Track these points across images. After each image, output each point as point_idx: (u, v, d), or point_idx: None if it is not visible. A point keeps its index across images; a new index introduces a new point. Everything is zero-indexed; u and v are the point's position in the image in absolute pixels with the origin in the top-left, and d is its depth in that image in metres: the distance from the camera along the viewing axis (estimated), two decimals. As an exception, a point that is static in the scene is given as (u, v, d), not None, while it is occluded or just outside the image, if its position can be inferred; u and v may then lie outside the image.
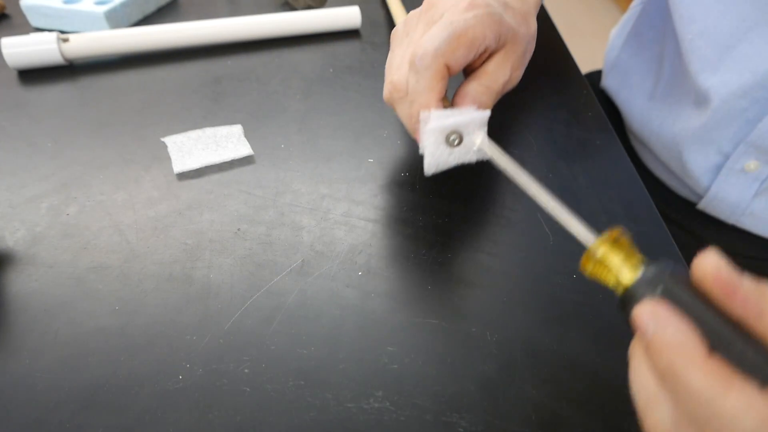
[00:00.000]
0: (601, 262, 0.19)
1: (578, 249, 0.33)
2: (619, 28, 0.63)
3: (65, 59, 0.47)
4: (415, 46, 0.29)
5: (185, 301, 0.29)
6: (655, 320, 0.16)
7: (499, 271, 0.32)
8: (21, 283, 0.30)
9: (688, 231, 0.53)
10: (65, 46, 0.47)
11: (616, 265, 0.19)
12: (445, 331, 0.28)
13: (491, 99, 0.32)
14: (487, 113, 0.29)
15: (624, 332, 0.29)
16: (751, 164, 0.45)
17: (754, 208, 0.48)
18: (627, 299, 0.18)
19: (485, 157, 0.29)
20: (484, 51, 0.31)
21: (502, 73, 0.32)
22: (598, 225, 0.35)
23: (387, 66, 0.33)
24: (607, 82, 0.64)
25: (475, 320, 0.29)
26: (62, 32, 0.48)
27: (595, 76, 0.69)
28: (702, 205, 0.51)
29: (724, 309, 0.16)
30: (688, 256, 0.35)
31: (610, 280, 0.19)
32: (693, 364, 0.15)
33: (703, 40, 0.43)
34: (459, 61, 0.30)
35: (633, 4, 0.60)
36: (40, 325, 0.28)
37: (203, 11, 0.59)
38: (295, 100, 0.45)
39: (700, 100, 0.46)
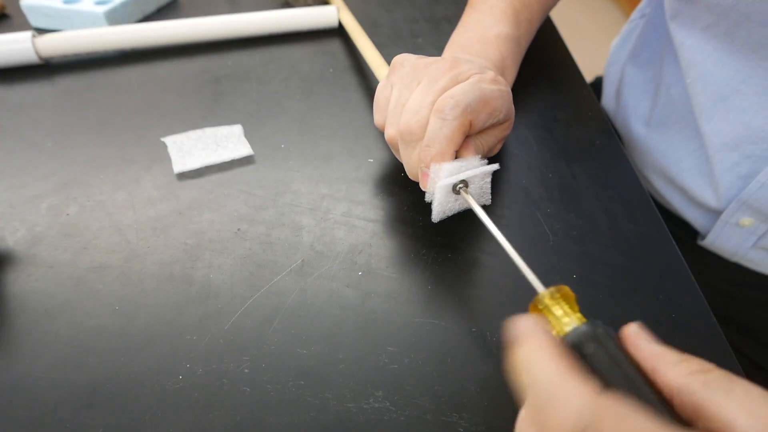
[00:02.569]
0: (545, 311, 0.22)
1: (578, 250, 0.33)
2: (620, 40, 0.61)
3: (40, 58, 0.47)
4: (444, 96, 0.30)
5: (185, 301, 0.29)
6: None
7: (499, 271, 0.32)
8: (21, 283, 0.30)
9: (696, 255, 0.51)
10: (39, 44, 0.46)
11: (557, 316, 0.22)
12: (445, 331, 0.28)
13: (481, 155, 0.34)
14: (495, 166, 0.30)
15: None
16: (746, 220, 0.44)
17: (753, 256, 0.47)
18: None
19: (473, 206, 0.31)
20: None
21: (494, 140, 0.34)
22: (598, 225, 0.35)
23: (392, 105, 0.33)
24: (606, 101, 0.61)
25: (475, 320, 0.29)
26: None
27: (597, 86, 0.67)
28: (703, 244, 0.50)
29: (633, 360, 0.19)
30: (692, 265, 0.35)
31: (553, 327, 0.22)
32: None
33: (700, 86, 0.43)
34: (480, 122, 0.31)
35: (633, 17, 0.58)
36: (40, 326, 0.28)
37: (203, 11, 0.59)
38: (295, 100, 0.45)
39: (701, 144, 0.45)
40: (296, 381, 0.26)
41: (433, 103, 0.30)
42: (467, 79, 0.31)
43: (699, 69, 0.43)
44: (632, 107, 0.54)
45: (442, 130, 0.29)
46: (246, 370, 0.26)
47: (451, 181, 0.29)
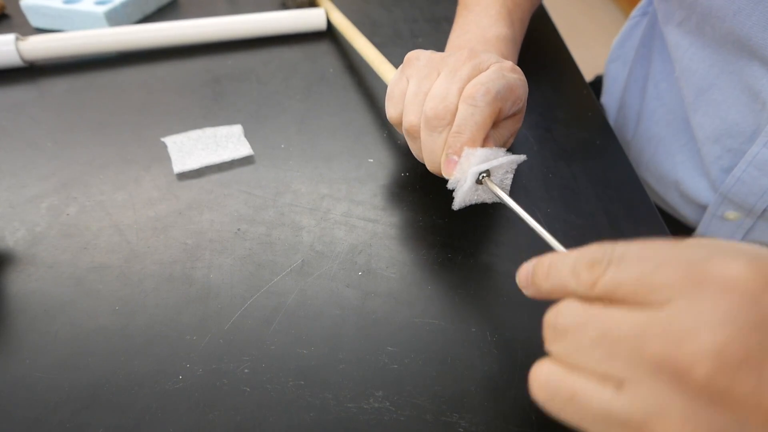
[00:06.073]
0: None
1: (578, 249, 0.33)
2: (621, 38, 0.61)
3: (24, 60, 0.47)
4: (473, 83, 0.30)
5: (185, 301, 0.29)
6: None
7: (499, 271, 0.32)
8: (21, 283, 0.30)
9: None
10: (23, 47, 0.46)
11: None
12: (445, 331, 0.28)
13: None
14: (523, 157, 0.30)
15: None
16: (731, 214, 0.44)
17: None
18: None
19: (494, 199, 0.31)
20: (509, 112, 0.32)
21: (507, 133, 0.34)
22: (598, 225, 0.35)
23: (411, 94, 0.32)
24: (606, 99, 0.62)
25: (475, 320, 0.29)
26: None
27: (596, 85, 0.67)
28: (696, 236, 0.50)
29: None
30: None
31: None
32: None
33: (683, 80, 0.44)
34: (506, 110, 0.31)
35: (634, 14, 0.59)
36: (40, 325, 0.28)
37: (203, 11, 0.59)
38: (295, 100, 0.45)
39: (692, 137, 0.46)
40: (296, 381, 0.26)
41: (460, 90, 0.30)
42: (488, 68, 0.31)
43: (680, 63, 0.44)
44: (629, 104, 0.55)
45: (474, 116, 0.29)
46: (246, 370, 0.26)
47: (486, 167, 0.29)
